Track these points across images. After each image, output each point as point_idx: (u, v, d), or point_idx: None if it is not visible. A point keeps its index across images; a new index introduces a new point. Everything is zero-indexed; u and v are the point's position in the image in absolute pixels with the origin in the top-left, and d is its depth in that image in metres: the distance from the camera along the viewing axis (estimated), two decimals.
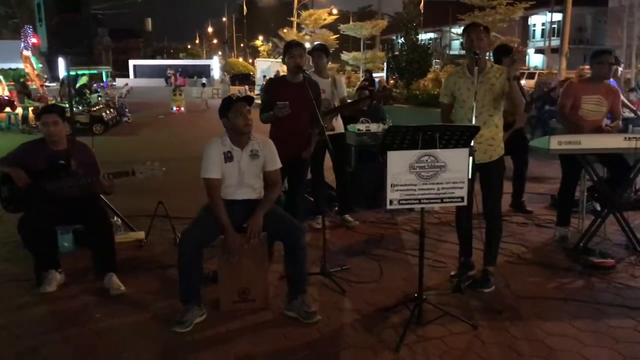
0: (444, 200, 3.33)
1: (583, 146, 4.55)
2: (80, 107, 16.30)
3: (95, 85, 25.76)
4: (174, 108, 23.17)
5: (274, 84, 5.00)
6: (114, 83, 39.48)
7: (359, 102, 5.84)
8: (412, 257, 4.91)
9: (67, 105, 16.48)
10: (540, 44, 48.83)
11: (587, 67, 21.01)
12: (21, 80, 21.43)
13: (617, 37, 30.74)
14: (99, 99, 18.93)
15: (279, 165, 3.91)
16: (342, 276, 4.40)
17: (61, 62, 30.19)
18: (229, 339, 3.48)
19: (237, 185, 3.82)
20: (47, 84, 25.63)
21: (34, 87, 20.26)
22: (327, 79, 5.70)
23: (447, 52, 44.01)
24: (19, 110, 17.58)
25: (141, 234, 5.48)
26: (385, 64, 24.11)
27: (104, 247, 4.20)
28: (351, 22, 29.07)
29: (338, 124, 5.86)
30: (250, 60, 55.59)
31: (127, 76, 48.68)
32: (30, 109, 16.79)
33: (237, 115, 3.71)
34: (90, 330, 3.60)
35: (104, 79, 33.02)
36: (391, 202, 3.30)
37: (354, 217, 6.06)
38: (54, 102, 18.80)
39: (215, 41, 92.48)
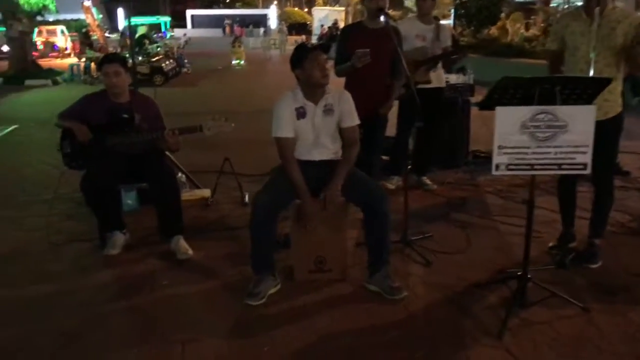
0: (562, 167, 2.83)
1: None
2: (140, 58, 16.21)
3: (155, 35, 25.72)
4: (234, 61, 22.01)
5: (351, 31, 4.47)
6: (173, 33, 39.41)
7: (454, 53, 5.23)
8: (501, 224, 4.44)
9: (128, 56, 16.56)
10: None
11: None
12: (83, 30, 21.54)
13: None
14: (158, 49, 18.77)
15: (356, 121, 3.47)
16: (424, 244, 3.98)
17: (121, 13, 30.31)
18: (306, 314, 3.14)
19: (312, 145, 3.43)
20: (107, 34, 25.78)
21: (95, 37, 20.32)
22: (430, 24, 5.06)
23: None
24: (81, 60, 17.68)
25: (207, 192, 5.21)
26: (452, 11, 22.85)
27: (170, 208, 3.92)
28: None
29: (438, 77, 5.23)
30: (307, 10, 54.40)
31: (185, 27, 48.52)
32: (92, 59, 16.80)
33: (314, 66, 3.27)
34: (157, 299, 3.35)
35: (163, 29, 32.97)
36: (497, 167, 2.83)
37: (429, 178, 5.59)
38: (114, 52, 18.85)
39: None
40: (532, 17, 24.42)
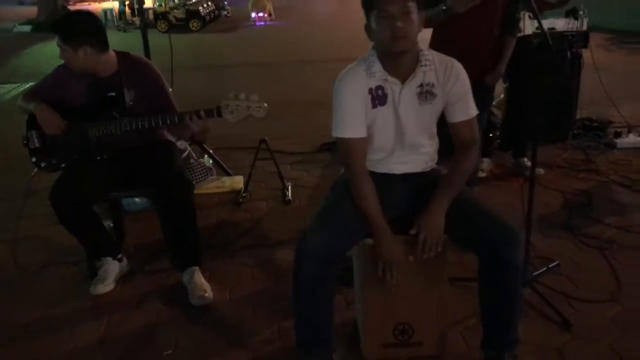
0: None
1: None
2: (176, 1, 14.90)
3: None
4: (253, 14, 15.83)
5: None
6: None
7: None
8: None
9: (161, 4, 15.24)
10: None
11: None
12: None
13: None
14: None
15: (473, 111, 2.13)
16: (552, 283, 2.68)
17: None
18: None
19: (393, 148, 2.13)
20: None
21: None
22: None
23: None
24: (115, 4, 16.49)
25: (239, 181, 4.01)
26: None
27: (181, 232, 2.72)
28: None
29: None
30: None
31: None
32: (127, 3, 15.59)
33: (381, 19, 1.93)
34: None
35: None
36: None
37: (528, 156, 4.22)
38: None
39: None
40: None
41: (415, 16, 1.95)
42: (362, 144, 2.07)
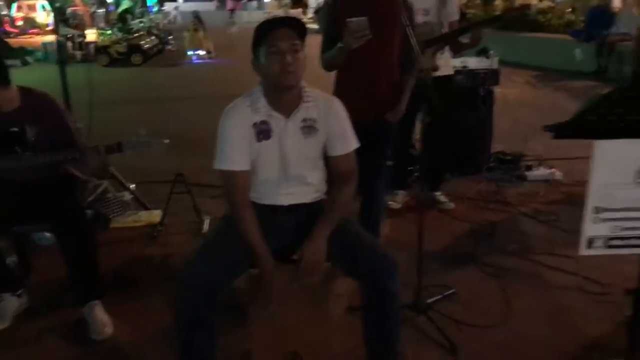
0: None
1: None
2: (119, 35, 14.85)
3: (141, 9, 24.21)
4: (189, 52, 14.77)
5: (340, 0, 3.00)
6: (163, 8, 37.69)
7: (466, 30, 3.94)
8: (547, 269, 3.25)
9: (108, 33, 15.16)
10: None
11: None
12: (57, 4, 20.06)
13: None
14: (141, 24, 17.37)
15: (353, 144, 2.25)
16: (446, 310, 2.79)
17: None
18: None
19: (278, 180, 2.21)
20: (94, 9, 24.33)
21: (70, 12, 18.76)
22: None
23: None
24: (54, 38, 16.30)
25: (156, 215, 4.01)
26: None
27: (79, 263, 2.71)
28: None
29: (446, 62, 4.02)
30: None
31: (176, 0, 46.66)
32: (67, 37, 15.41)
33: (269, 55, 2.04)
34: None
35: (149, 2, 31.39)
36: (591, 243, 1.62)
37: (443, 188, 4.39)
38: (95, 29, 17.42)
39: None
40: None
41: (302, 54, 2.07)
42: (245, 176, 2.15)
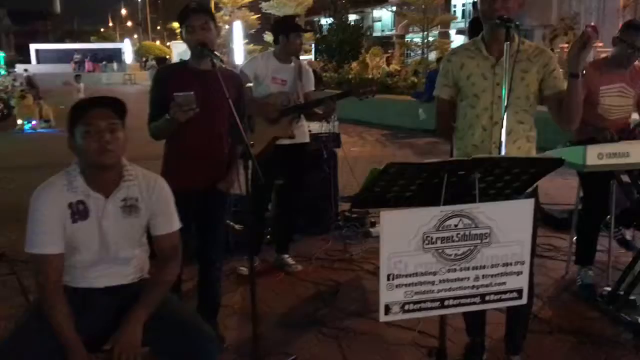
0: (488, 298, 1.75)
1: (634, 159, 3.11)
2: None
3: None
4: (19, 121, 13.27)
5: (169, 74, 3.05)
6: (14, 70, 35.60)
7: (321, 102, 4.11)
8: (388, 326, 3.34)
9: None
10: (461, 25, 48.41)
11: (565, 45, 19.81)
12: None
13: (535, 18, 29.91)
14: None
15: (176, 225, 2.21)
16: None
17: None
18: None
19: (96, 262, 2.10)
20: None
21: None
22: (290, 63, 4.02)
23: (370, 33, 43.08)
24: None
25: None
26: (312, 45, 22.38)
27: None
28: (274, 0, 27.02)
29: (302, 130, 4.14)
30: (168, 44, 52.30)
31: (29, 62, 44.30)
32: None
33: (89, 133, 1.98)
34: None
35: None
36: (388, 310, 1.69)
37: (292, 250, 4.44)
38: None
39: (129, 23, 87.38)
40: (390, 50, 24.83)
41: (121, 134, 2.03)
42: (57, 260, 2.03)
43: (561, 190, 5.71)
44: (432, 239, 1.63)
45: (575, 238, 3.96)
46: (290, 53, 4.02)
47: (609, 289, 3.56)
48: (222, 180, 3.01)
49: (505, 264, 1.71)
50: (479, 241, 1.67)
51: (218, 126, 2.95)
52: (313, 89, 4.19)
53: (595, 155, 3.06)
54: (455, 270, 1.68)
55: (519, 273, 1.72)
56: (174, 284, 2.36)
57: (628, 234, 4.36)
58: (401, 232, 1.62)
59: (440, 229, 1.63)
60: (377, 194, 1.67)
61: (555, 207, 5.34)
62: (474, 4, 12.01)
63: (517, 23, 2.21)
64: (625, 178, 3.53)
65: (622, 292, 3.42)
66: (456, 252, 1.66)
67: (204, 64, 2.87)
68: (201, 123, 2.79)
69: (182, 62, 3.17)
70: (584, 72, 2.35)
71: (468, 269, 1.68)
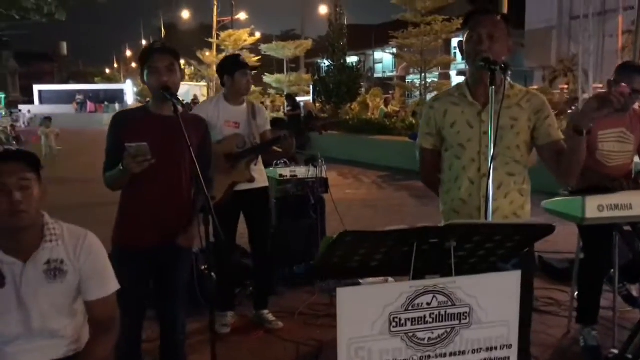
0: None
1: (638, 212, 2.85)
2: None
3: None
4: None
5: (125, 119, 2.82)
6: (18, 110, 35.85)
7: (278, 140, 3.92)
8: None
9: None
10: (462, 66, 48.93)
11: (565, 86, 19.82)
12: None
13: (534, 60, 30.09)
14: None
15: (112, 287, 1.94)
16: None
17: None
18: None
19: (16, 336, 1.83)
20: None
21: None
22: (242, 105, 3.84)
23: (371, 74, 43.22)
24: None
25: None
26: (311, 87, 22.41)
27: None
28: (274, 43, 27.20)
29: (260, 173, 3.95)
30: None
31: (33, 103, 44.60)
32: None
33: None
34: None
35: None
36: None
37: (275, 303, 4.15)
38: None
39: (134, 65, 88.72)
40: (390, 91, 24.89)
41: (36, 190, 1.78)
42: None
43: (560, 236, 5.42)
44: (400, 320, 1.36)
45: (576, 293, 3.67)
46: (239, 93, 3.83)
47: (615, 351, 3.25)
48: (182, 234, 2.75)
49: (489, 349, 1.43)
50: (457, 322, 1.40)
51: (178, 176, 2.72)
52: (269, 127, 4.00)
53: (595, 207, 2.80)
54: (429, 357, 1.39)
55: (505, 359, 1.44)
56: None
57: (634, 290, 4.05)
58: (363, 312, 1.35)
59: (410, 308, 1.36)
60: (337, 265, 1.41)
61: (554, 256, 5.05)
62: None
63: (503, 65, 1.98)
64: (628, 227, 3.27)
65: (630, 356, 3.10)
66: (430, 336, 1.39)
67: (166, 109, 2.65)
68: (159, 173, 2.57)
69: (142, 107, 2.97)
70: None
71: (445, 355, 1.40)
